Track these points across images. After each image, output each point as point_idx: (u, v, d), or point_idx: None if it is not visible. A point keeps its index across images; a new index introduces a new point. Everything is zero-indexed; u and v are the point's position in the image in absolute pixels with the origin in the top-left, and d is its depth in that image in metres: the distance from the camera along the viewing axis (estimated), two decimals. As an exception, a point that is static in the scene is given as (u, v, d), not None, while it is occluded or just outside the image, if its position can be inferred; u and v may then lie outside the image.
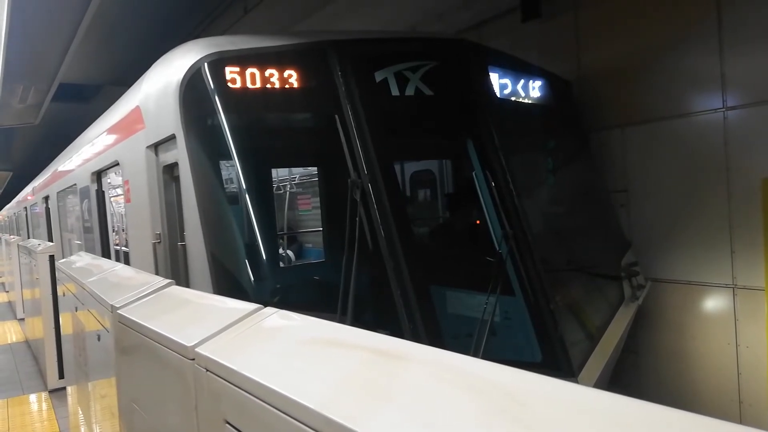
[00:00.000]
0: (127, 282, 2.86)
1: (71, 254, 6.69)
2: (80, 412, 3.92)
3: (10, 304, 13.62)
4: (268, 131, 3.86)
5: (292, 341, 1.50)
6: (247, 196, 3.39)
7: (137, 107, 4.42)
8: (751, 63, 4.46)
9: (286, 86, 3.50)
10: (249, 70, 3.41)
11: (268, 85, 3.45)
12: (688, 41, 4.83)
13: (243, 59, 3.45)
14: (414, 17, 7.50)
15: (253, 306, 1.77)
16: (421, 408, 0.97)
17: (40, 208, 12.71)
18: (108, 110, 6.32)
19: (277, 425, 1.13)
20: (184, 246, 3.73)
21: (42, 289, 6.77)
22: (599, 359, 3.94)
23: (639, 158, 5.34)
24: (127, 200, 4.89)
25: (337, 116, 3.60)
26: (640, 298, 4.98)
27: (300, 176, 10.15)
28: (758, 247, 4.47)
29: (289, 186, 10.35)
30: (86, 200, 7.00)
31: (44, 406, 6.26)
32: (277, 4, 7.83)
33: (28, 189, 16.82)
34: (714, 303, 4.84)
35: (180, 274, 3.91)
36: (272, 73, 3.45)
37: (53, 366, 6.56)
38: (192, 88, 3.47)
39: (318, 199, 6.47)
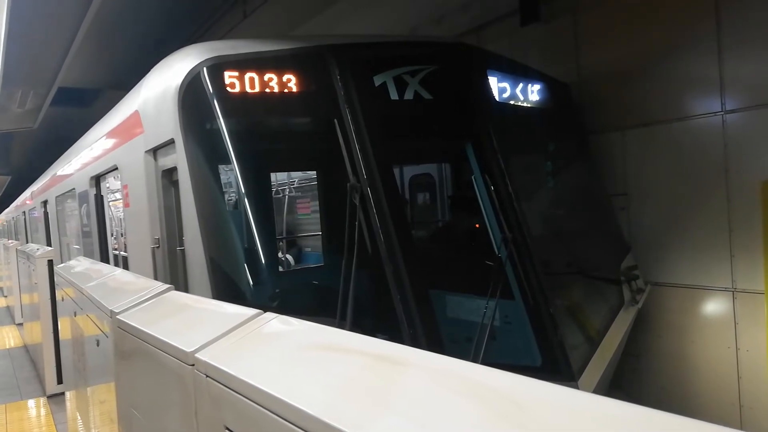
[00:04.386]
0: (127, 287, 2.86)
1: (70, 259, 6.68)
2: (79, 418, 3.90)
3: (9, 309, 13.58)
4: (267, 135, 3.86)
5: (291, 347, 1.50)
6: (246, 200, 3.39)
7: (136, 112, 4.42)
8: (749, 66, 4.46)
9: (285, 90, 3.50)
10: (248, 75, 3.41)
11: (267, 90, 3.45)
12: (687, 44, 4.84)
13: (242, 64, 3.45)
14: (414, 20, 7.52)
15: (252, 311, 1.76)
16: (421, 414, 0.97)
17: (39, 213, 12.70)
18: (107, 115, 6.32)
19: (277, 431, 1.13)
20: (183, 251, 3.72)
21: (40, 294, 6.75)
22: (599, 363, 3.94)
23: (639, 161, 5.34)
24: (126, 205, 4.88)
25: (336, 120, 3.60)
26: (640, 302, 4.98)
27: (299, 180, 10.14)
28: (758, 250, 4.47)
29: (288, 190, 10.34)
30: (85, 205, 7.00)
31: (42, 411, 6.23)
32: (276, 8, 7.84)
33: (26, 193, 16.81)
34: (714, 306, 4.84)
35: (179, 279, 3.90)
36: (271, 77, 3.45)
37: (52, 371, 6.53)
38: (191, 93, 3.47)
39: (317, 203, 6.47)
